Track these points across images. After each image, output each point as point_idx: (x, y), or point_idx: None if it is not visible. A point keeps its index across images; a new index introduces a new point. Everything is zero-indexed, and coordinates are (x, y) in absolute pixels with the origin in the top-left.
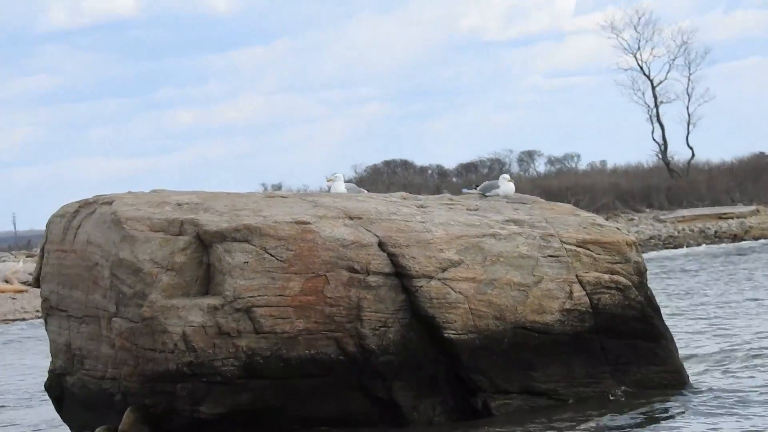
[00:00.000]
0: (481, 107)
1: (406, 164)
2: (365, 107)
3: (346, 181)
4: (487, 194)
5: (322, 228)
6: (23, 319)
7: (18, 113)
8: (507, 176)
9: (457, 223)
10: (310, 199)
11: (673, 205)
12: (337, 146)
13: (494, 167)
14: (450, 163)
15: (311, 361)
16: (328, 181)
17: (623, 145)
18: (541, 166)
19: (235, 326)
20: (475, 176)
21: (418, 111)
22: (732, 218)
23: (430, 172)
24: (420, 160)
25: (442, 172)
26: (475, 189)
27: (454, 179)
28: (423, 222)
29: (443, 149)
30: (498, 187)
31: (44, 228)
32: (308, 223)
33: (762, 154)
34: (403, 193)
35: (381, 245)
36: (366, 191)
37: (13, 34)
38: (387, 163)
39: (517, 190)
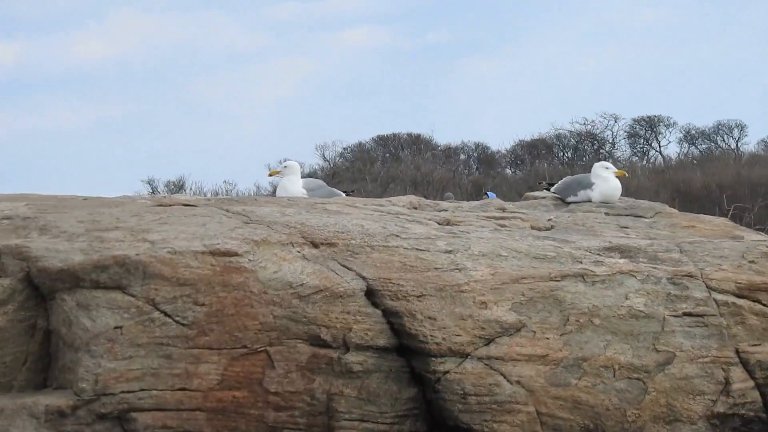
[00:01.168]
0: (557, 41)
1: (417, 142)
2: (344, 35)
3: (305, 176)
4: (569, 199)
5: (262, 263)
6: None
7: None
8: (607, 165)
9: (514, 254)
10: (237, 210)
11: None
12: (292, 111)
13: (583, 148)
14: (500, 142)
15: None
16: (271, 174)
17: None
18: (672, 147)
19: None
20: (546, 165)
21: (440, 46)
22: None
23: (463, 157)
24: (444, 136)
25: (485, 158)
26: (548, 189)
27: (508, 171)
28: (450, 252)
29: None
30: (590, 185)
31: None
32: (235, 254)
33: None
34: (414, 198)
35: (371, 295)
36: (343, 194)
37: None
38: (382, 141)
39: (627, 192)
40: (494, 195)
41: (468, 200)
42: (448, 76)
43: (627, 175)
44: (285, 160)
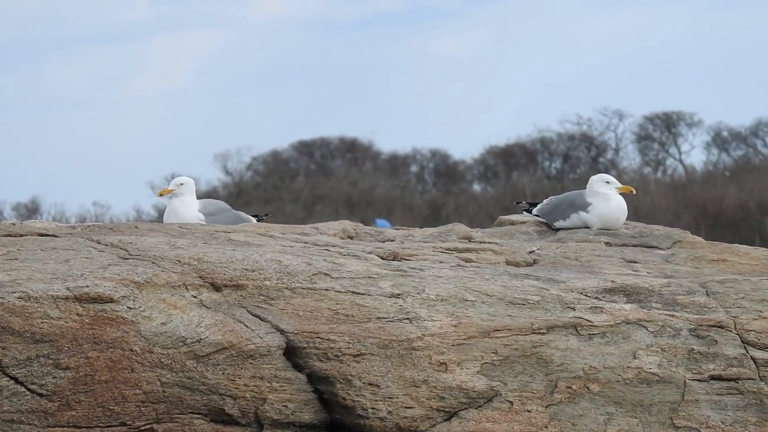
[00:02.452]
0: (543, 7)
1: (353, 149)
2: (256, 4)
3: (202, 195)
4: (558, 224)
5: (145, 312)
6: None
7: None
8: (608, 179)
9: (484, 299)
10: (112, 241)
11: None
12: (183, 107)
13: (577, 156)
14: (465, 149)
15: None
16: (161, 194)
17: None
18: (696, 153)
19: None
20: (528, 179)
21: (384, 17)
22: None
23: (415, 169)
24: (389, 142)
25: (445, 169)
26: (529, 211)
27: (475, 186)
28: (398, 296)
29: (445, 116)
30: (586, 205)
31: None
32: (110, 299)
33: None
34: (349, 224)
35: (292, 354)
36: (254, 219)
37: None
38: (305, 148)
39: (637, 214)
40: (387, 223)
41: (422, 226)
42: (394, 59)
43: (634, 192)
44: (177, 179)
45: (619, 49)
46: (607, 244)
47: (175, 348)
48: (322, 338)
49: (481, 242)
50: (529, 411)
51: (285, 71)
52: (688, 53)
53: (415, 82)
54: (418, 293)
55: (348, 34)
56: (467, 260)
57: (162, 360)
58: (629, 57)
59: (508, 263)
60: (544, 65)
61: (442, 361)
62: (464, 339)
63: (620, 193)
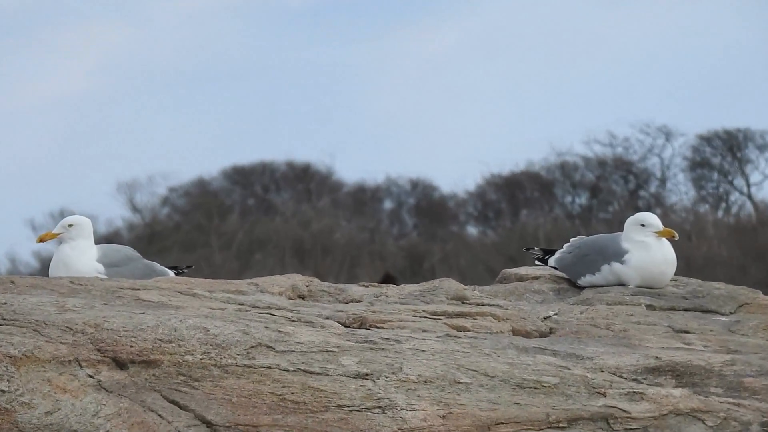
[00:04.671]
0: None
1: (305, 179)
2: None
3: (102, 239)
4: (582, 280)
5: (24, 397)
6: None
7: None
8: (649, 220)
9: (483, 381)
10: None
11: None
12: (76, 120)
13: (608, 188)
14: (456, 179)
15: None
16: (42, 239)
17: None
18: None
19: None
20: (542, 218)
21: (348, 3)
22: None
23: (389, 205)
24: (353, 169)
25: (429, 206)
26: (543, 261)
27: (470, 229)
28: (367, 377)
29: (428, 136)
30: (620, 254)
31: None
32: None
33: None
34: (300, 279)
35: None
36: (172, 272)
37: None
38: (240, 176)
39: (688, 266)
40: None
41: (398, 282)
42: (362, 58)
43: (676, 236)
44: (66, 214)
45: (664, 46)
46: (650, 307)
47: None
48: None
49: (478, 304)
50: None
51: (214, 73)
52: (759, 54)
53: (388, 90)
54: (393, 373)
55: (299, 26)
56: (460, 328)
57: None
58: (678, 57)
59: (514, 333)
60: (562, 66)
61: None
62: None
63: (661, 238)
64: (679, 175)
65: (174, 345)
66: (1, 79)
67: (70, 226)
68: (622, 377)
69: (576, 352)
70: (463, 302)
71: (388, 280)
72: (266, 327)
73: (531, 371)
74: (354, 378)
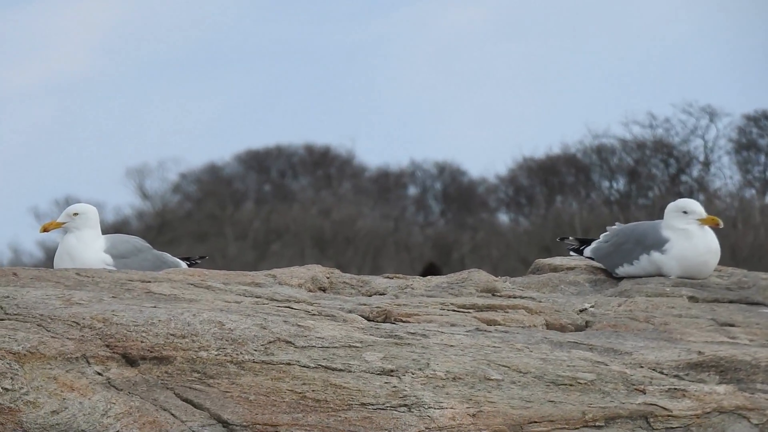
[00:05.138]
0: None
1: (324, 163)
2: None
3: (110, 229)
4: (620, 270)
5: (29, 396)
6: None
7: None
8: (685, 206)
9: (515, 378)
10: None
11: None
12: (79, 102)
13: (648, 171)
14: (487, 163)
15: None
16: (46, 229)
17: None
18: None
19: None
20: (577, 204)
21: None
22: None
23: (414, 191)
24: (376, 153)
25: (458, 192)
26: (578, 251)
27: (502, 216)
28: (392, 374)
29: (455, 118)
30: (660, 243)
31: None
32: None
33: None
34: (321, 270)
35: None
36: (184, 263)
37: None
38: (255, 160)
39: (734, 255)
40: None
41: (424, 273)
42: (383, 36)
43: (721, 224)
44: (72, 202)
45: (708, 22)
46: (692, 299)
47: None
48: None
49: (509, 297)
50: None
51: (225, 53)
52: None
53: (412, 68)
54: (419, 369)
55: (316, 1)
56: (490, 322)
57: None
58: (723, 34)
59: (548, 326)
60: (599, 43)
61: None
62: None
63: (704, 225)
64: (724, 158)
65: (187, 340)
66: (3, 60)
67: (75, 214)
68: (662, 373)
69: (614, 347)
70: (493, 294)
71: (431, 270)
72: (285, 321)
73: (566, 367)
74: (378, 375)
